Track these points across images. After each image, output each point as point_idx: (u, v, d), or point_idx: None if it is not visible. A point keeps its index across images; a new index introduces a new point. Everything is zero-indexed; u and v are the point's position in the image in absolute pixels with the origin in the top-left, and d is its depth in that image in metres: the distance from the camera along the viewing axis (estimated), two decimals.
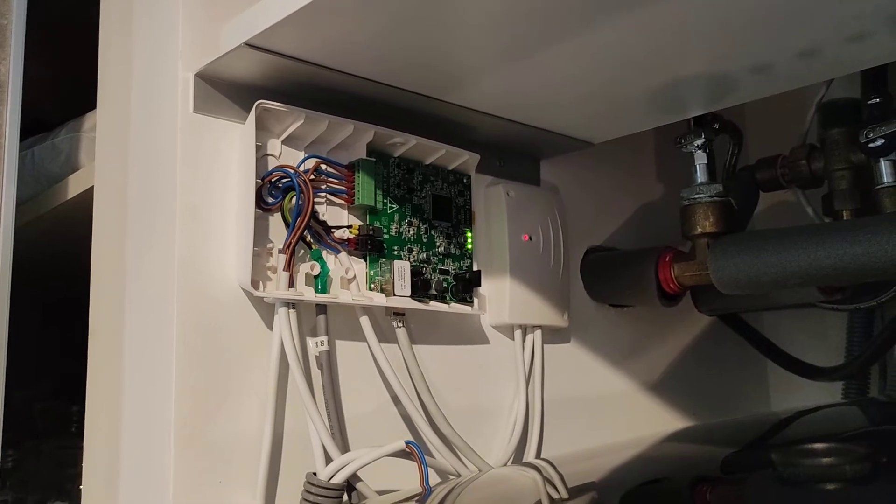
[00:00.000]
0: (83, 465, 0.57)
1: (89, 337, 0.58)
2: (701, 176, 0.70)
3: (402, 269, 0.58)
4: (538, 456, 0.68)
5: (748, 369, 0.97)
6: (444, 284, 0.61)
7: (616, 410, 0.78)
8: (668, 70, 0.57)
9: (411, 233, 0.60)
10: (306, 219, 0.53)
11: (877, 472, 0.36)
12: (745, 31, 0.50)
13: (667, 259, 0.71)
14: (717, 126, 0.71)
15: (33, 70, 0.57)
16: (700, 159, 0.70)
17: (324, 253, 0.55)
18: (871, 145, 0.65)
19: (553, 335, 0.72)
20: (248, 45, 0.49)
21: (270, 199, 0.54)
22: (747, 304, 0.85)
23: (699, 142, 0.70)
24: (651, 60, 0.55)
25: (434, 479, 0.58)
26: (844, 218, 0.70)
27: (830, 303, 0.75)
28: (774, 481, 0.38)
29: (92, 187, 0.61)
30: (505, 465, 0.64)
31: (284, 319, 0.52)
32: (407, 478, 0.53)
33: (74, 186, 0.72)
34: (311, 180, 0.54)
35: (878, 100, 0.67)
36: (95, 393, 0.57)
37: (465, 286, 0.62)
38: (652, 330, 0.84)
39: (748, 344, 0.91)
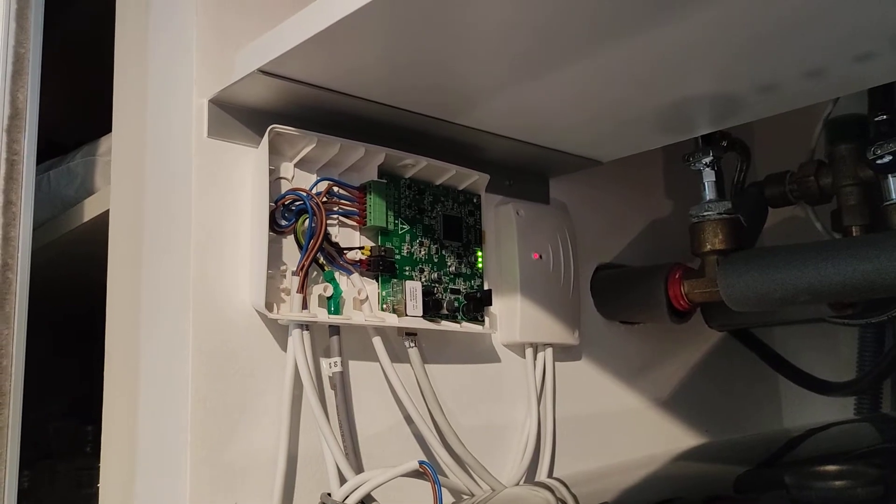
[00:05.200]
0: (100, 485, 0.58)
1: (105, 358, 0.59)
2: (709, 193, 0.70)
3: (413, 289, 0.58)
4: (550, 474, 0.68)
5: (760, 385, 0.97)
6: (456, 304, 0.62)
7: (628, 428, 0.78)
8: (675, 90, 0.57)
9: (422, 253, 0.61)
10: (319, 241, 0.53)
11: (890, 491, 0.36)
12: (752, 51, 0.51)
13: (676, 276, 0.71)
14: (725, 143, 0.72)
15: (48, 93, 0.58)
16: (708, 177, 0.71)
17: (336, 274, 0.56)
18: (878, 162, 0.65)
19: (564, 353, 0.73)
20: (261, 71, 0.50)
21: (284, 222, 0.54)
22: (758, 319, 0.85)
23: (707, 159, 0.71)
24: (659, 81, 0.55)
25: (447, 498, 0.58)
26: (854, 233, 0.70)
27: (841, 318, 0.75)
28: (788, 502, 0.38)
29: (107, 211, 0.62)
30: (517, 483, 0.64)
31: (298, 341, 0.53)
32: (421, 498, 0.53)
33: (90, 210, 0.73)
34: (324, 202, 0.55)
35: (885, 117, 0.67)
36: (112, 414, 0.58)
37: (476, 305, 0.63)
38: (663, 346, 0.84)
39: (759, 359, 0.90)
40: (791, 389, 0.92)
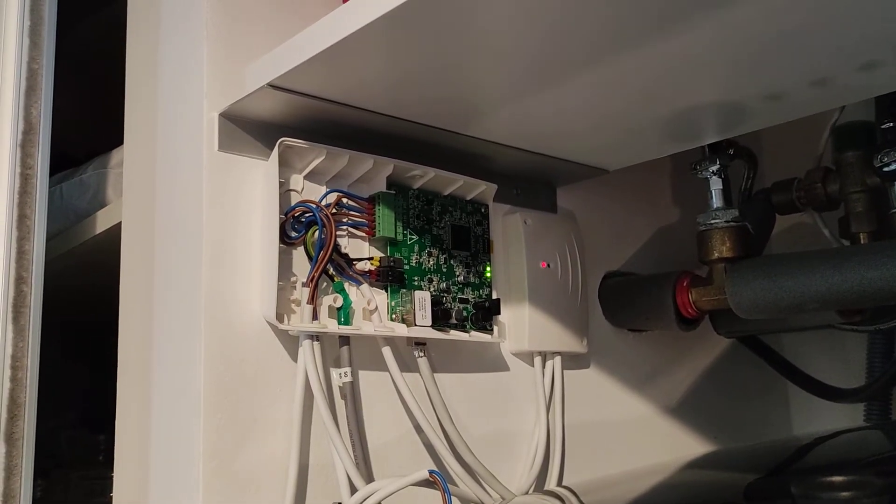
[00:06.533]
0: (113, 495, 0.58)
1: (118, 370, 0.60)
2: (717, 201, 0.71)
3: (422, 299, 0.59)
4: (560, 482, 0.68)
5: (769, 392, 0.96)
6: (464, 313, 0.62)
7: (637, 435, 0.79)
8: (681, 100, 0.57)
9: (431, 263, 0.61)
10: (329, 252, 0.54)
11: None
12: (757, 61, 0.51)
13: (684, 284, 0.72)
14: (731, 152, 0.72)
15: (60, 105, 0.59)
16: (715, 185, 0.71)
17: (346, 285, 0.56)
18: (885, 169, 0.65)
19: (572, 361, 0.73)
20: (271, 85, 0.51)
21: (294, 234, 0.55)
22: (766, 326, 0.85)
23: (714, 168, 0.71)
24: (666, 91, 0.55)
25: None
26: (861, 240, 0.70)
27: (850, 324, 0.75)
28: None
29: (120, 223, 0.63)
30: (527, 492, 0.64)
31: (309, 351, 0.53)
32: None
33: (102, 222, 0.74)
34: (333, 214, 0.56)
35: (891, 124, 0.67)
36: (125, 423, 0.59)
37: (485, 314, 0.63)
38: (671, 354, 0.84)
39: (768, 366, 0.90)
40: (800, 396, 0.92)
